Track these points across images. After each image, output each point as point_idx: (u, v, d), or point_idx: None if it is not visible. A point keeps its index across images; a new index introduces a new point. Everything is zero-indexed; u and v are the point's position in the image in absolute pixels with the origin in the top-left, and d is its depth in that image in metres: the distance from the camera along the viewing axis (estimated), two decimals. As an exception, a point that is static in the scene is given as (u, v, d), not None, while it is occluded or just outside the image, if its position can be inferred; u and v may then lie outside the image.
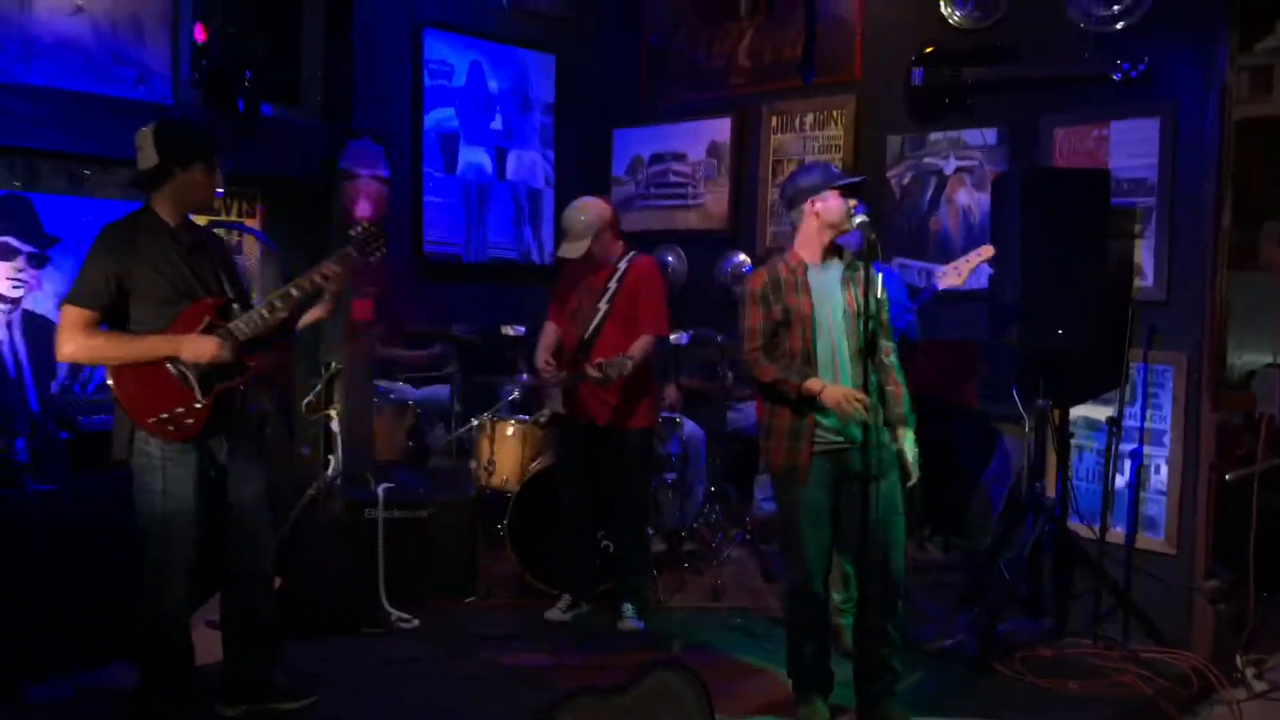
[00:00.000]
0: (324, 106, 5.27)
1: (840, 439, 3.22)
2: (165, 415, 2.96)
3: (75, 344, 2.97)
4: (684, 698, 2.97)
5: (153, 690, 3.10)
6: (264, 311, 3.09)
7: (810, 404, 3.20)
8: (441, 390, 5.82)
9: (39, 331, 4.39)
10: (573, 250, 4.20)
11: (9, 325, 4.31)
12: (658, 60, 6.17)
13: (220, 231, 4.41)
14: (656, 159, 6.14)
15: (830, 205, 3.28)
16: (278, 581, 3.93)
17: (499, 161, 6.01)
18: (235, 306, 3.12)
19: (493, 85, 5.96)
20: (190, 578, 3.09)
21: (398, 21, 5.55)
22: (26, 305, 4.37)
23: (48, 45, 4.31)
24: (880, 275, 3.16)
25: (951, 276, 4.07)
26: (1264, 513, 4.33)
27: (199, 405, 3.00)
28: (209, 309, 3.05)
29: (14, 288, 4.32)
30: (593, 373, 3.95)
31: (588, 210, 4.22)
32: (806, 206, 3.32)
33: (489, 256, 6.00)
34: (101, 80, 4.46)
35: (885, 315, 3.28)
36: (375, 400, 5.35)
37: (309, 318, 3.29)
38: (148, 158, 3.05)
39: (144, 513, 3.01)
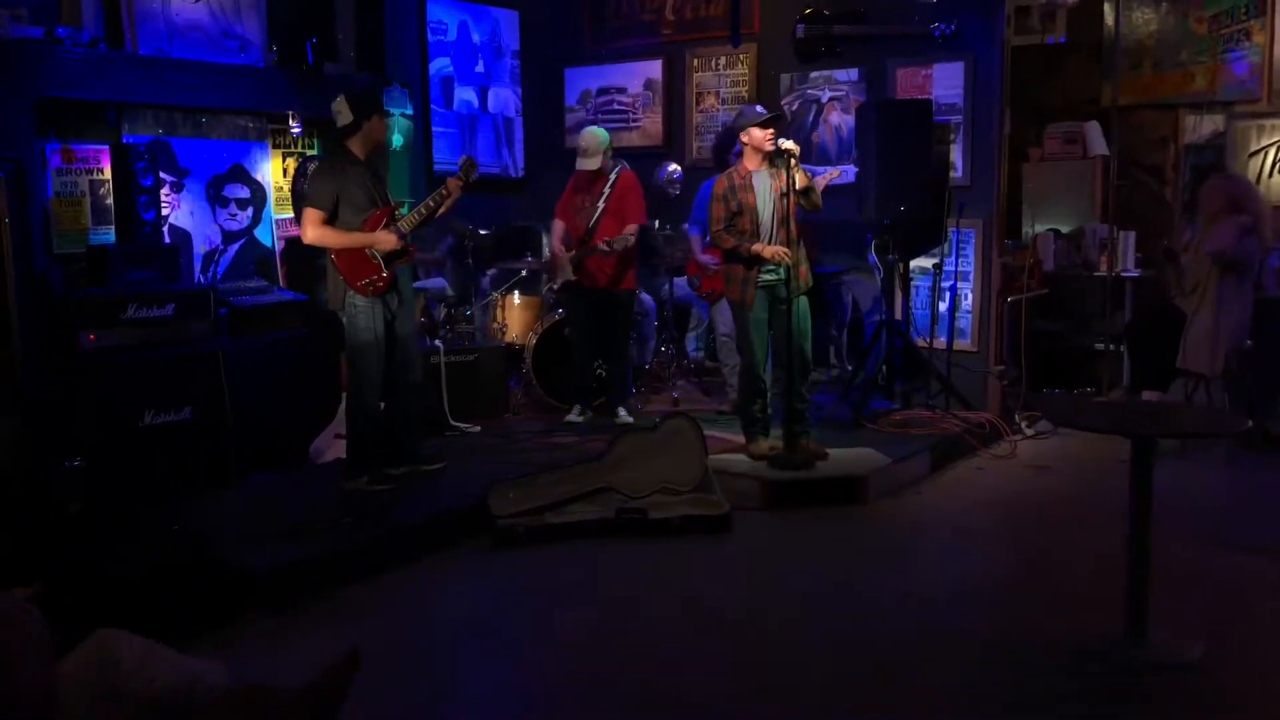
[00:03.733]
0: (359, 61, 6.90)
1: (773, 277, 5.24)
2: (366, 281, 4.77)
3: (316, 232, 4.71)
4: (690, 433, 5.02)
5: (357, 455, 4.95)
6: (415, 215, 4.89)
7: (755, 260, 5.20)
8: (438, 280, 7.60)
9: (182, 240, 6.02)
10: (591, 164, 6.04)
11: (163, 234, 5.92)
12: (599, 14, 7.94)
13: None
14: (602, 91, 7.95)
15: (754, 135, 5.22)
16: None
17: (483, 97, 7.74)
18: (399, 212, 4.91)
19: (476, 38, 7.65)
20: (379, 383, 4.91)
21: (407, -9, 7.19)
22: (171, 220, 5.99)
23: (181, 27, 5.87)
24: (803, 172, 5.12)
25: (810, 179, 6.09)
26: (1032, 327, 6.60)
27: (385, 274, 4.81)
28: (387, 213, 4.84)
29: (164, 207, 5.93)
30: (603, 247, 5.87)
31: (597, 135, 6.08)
32: (743, 136, 5.27)
33: (479, 172, 7.73)
34: (217, 51, 6.02)
35: (804, 200, 5.23)
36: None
37: (437, 215, 5.07)
38: (345, 117, 4.78)
39: (355, 343, 4.81)
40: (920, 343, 6.48)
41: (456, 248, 7.40)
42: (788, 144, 5.06)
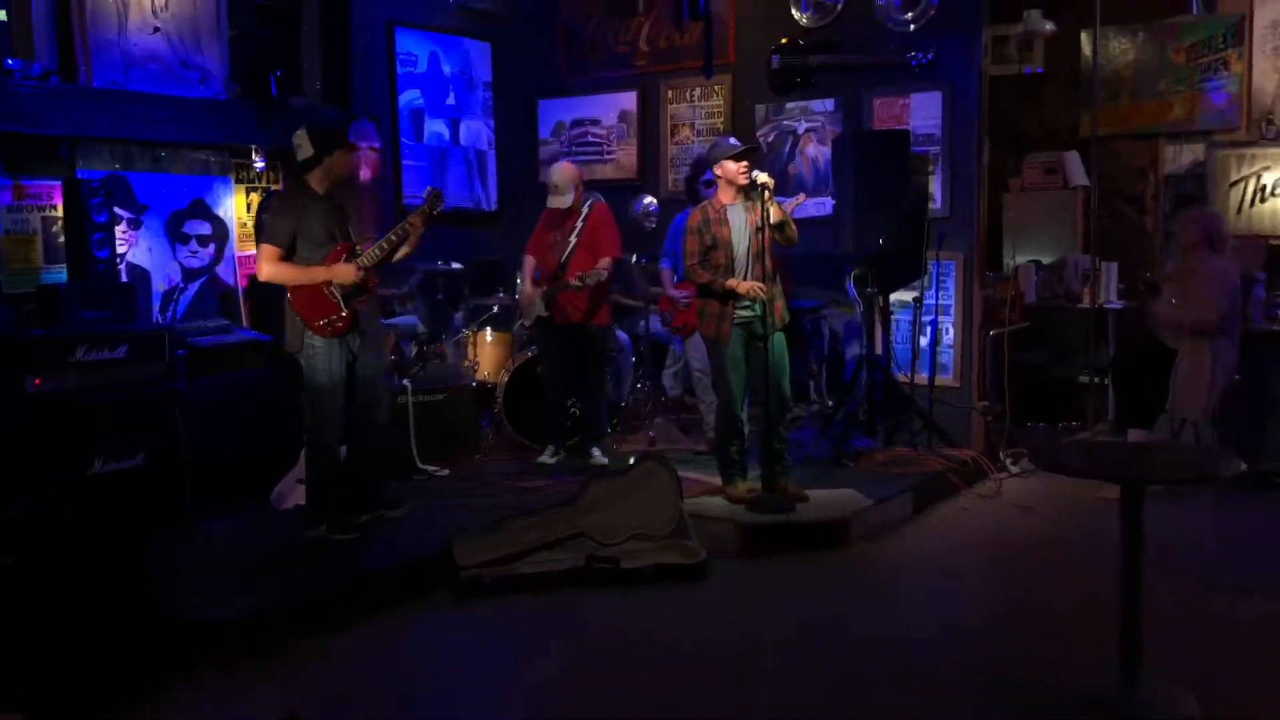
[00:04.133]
0: (325, 94, 6.75)
1: (749, 313, 5.08)
2: (325, 321, 4.58)
3: (270, 269, 4.52)
4: (664, 477, 4.84)
5: (317, 502, 4.74)
6: (376, 250, 4.71)
7: (730, 295, 5.04)
8: (408, 318, 7.43)
9: (139, 278, 5.82)
10: (562, 201, 5.89)
11: (119, 273, 5.72)
12: (574, 44, 7.83)
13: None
14: (576, 124, 7.82)
15: (727, 168, 5.08)
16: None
17: (454, 130, 7.60)
18: (357, 248, 4.73)
19: (446, 69, 7.52)
20: (340, 426, 4.72)
21: (376, 21, 7.04)
22: (129, 258, 5.79)
23: (138, 58, 5.70)
24: (778, 204, 4.97)
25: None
26: (1014, 360, 6.47)
27: (344, 313, 4.62)
28: (346, 249, 4.66)
29: (120, 244, 5.73)
30: (574, 282, 5.70)
31: (569, 171, 5.94)
32: (716, 169, 5.13)
33: (450, 206, 7.58)
34: (176, 83, 5.86)
35: (779, 235, 5.09)
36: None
37: (400, 254, 4.88)
38: (305, 150, 4.61)
39: (312, 384, 4.62)
40: (901, 378, 6.33)
41: (426, 284, 7.23)
42: (762, 177, 4.92)
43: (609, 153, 7.71)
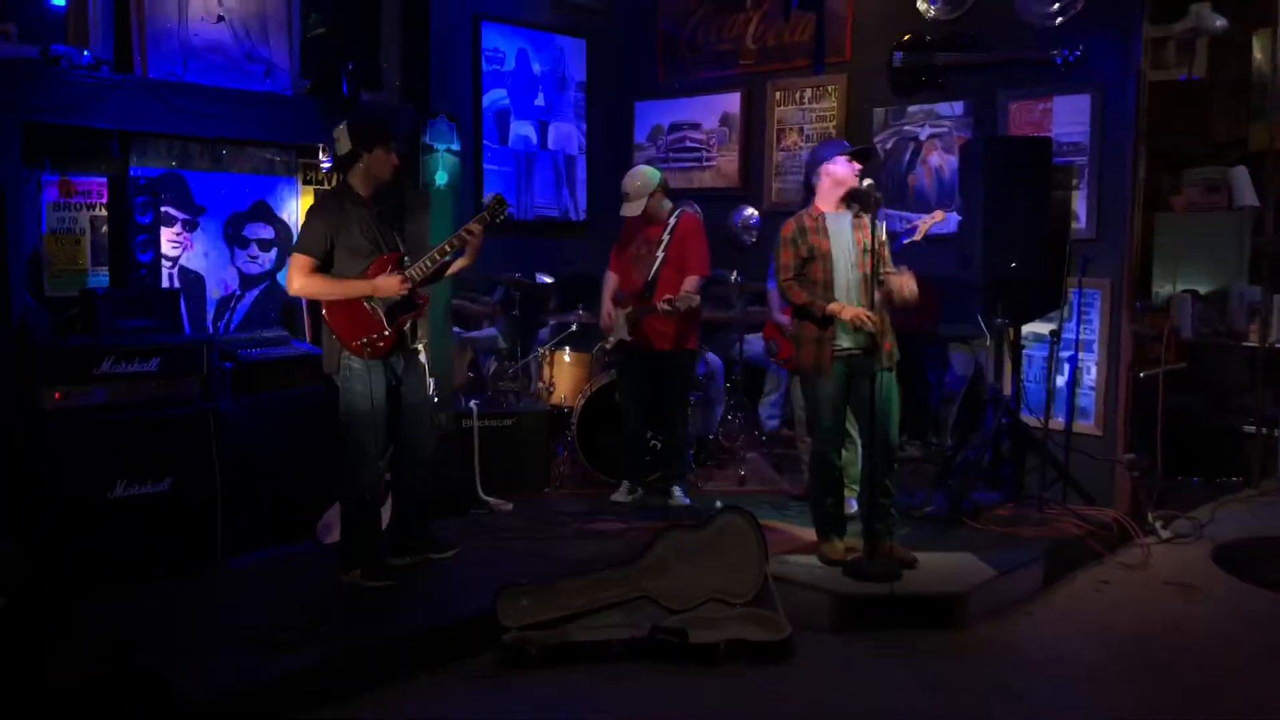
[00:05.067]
0: (404, 91, 6.27)
1: (852, 345, 4.36)
2: (365, 340, 4.04)
3: (302, 281, 4.02)
4: (746, 533, 4.15)
5: (352, 544, 4.20)
6: (428, 262, 4.16)
7: (831, 320, 4.33)
8: (489, 331, 6.90)
9: (192, 284, 5.42)
10: (632, 209, 5.28)
11: (170, 278, 5.33)
12: (673, 43, 7.20)
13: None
14: (674, 128, 7.19)
15: (838, 168, 4.38)
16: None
17: (542, 133, 7.06)
18: (406, 259, 4.19)
19: (536, 68, 6.99)
20: (380, 459, 4.18)
21: (460, 15, 6.54)
22: (182, 262, 5.39)
23: (198, 49, 5.29)
24: (883, 224, 4.26)
25: (916, 235, 5.08)
26: (1169, 406, 5.55)
27: (387, 333, 4.08)
28: (392, 260, 4.12)
29: (174, 248, 5.34)
30: (664, 307, 5.05)
31: (641, 176, 5.31)
32: (822, 169, 4.43)
33: (535, 215, 7.05)
34: (239, 76, 5.44)
35: (887, 252, 4.38)
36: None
37: (455, 267, 4.35)
38: (343, 146, 4.09)
39: (350, 411, 4.09)
40: (1033, 422, 5.49)
41: (507, 298, 6.70)
42: (869, 183, 4.22)
43: (708, 159, 7.06)
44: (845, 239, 4.38)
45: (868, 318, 4.24)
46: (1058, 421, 5.50)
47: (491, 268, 6.80)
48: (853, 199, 4.36)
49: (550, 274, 6.96)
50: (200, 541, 4.49)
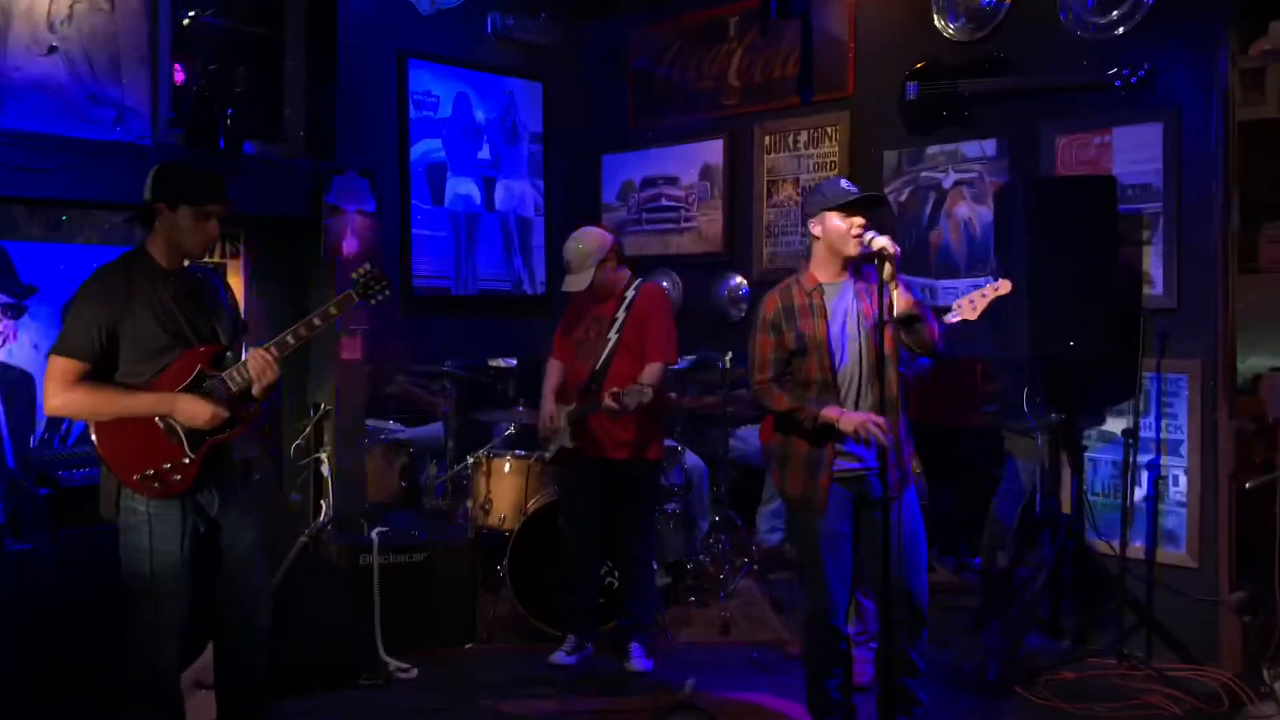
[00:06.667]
0: (308, 142, 5.16)
1: (859, 465, 3.10)
2: (151, 472, 2.82)
3: (64, 397, 2.81)
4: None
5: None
6: (254, 363, 2.95)
7: (829, 432, 3.07)
8: (434, 428, 5.69)
9: (16, 384, 4.25)
10: (577, 283, 4.09)
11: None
12: (646, 85, 6.09)
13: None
14: (648, 183, 6.05)
15: (829, 227, 3.16)
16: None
17: (487, 191, 5.92)
18: (229, 355, 2.98)
19: (479, 115, 5.87)
20: (183, 638, 2.94)
21: (381, 54, 5.46)
22: (2, 358, 4.23)
23: (21, 87, 4.19)
24: (898, 291, 3.02)
25: (966, 311, 3.38)
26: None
27: (188, 461, 2.86)
28: (202, 357, 2.91)
29: (-11, 339, 4.19)
30: (610, 403, 3.81)
31: (586, 240, 4.13)
32: (813, 225, 3.21)
33: (479, 289, 5.89)
34: (78, 122, 4.33)
35: (906, 336, 3.15)
36: (366, 441, 5.23)
37: (258, 389, 3.07)
38: (144, 194, 2.93)
39: (132, 571, 2.87)
40: (1102, 548, 4.19)
41: (458, 389, 5.51)
42: (881, 240, 2.99)
43: (688, 220, 5.88)
44: (850, 315, 3.15)
45: (878, 424, 2.98)
46: (1136, 548, 4.19)
47: (425, 356, 5.66)
48: (870, 260, 3.08)
49: (508, 357, 5.78)
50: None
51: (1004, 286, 3.24)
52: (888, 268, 2.96)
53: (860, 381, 3.12)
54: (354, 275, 3.20)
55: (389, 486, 5.36)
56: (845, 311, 3.14)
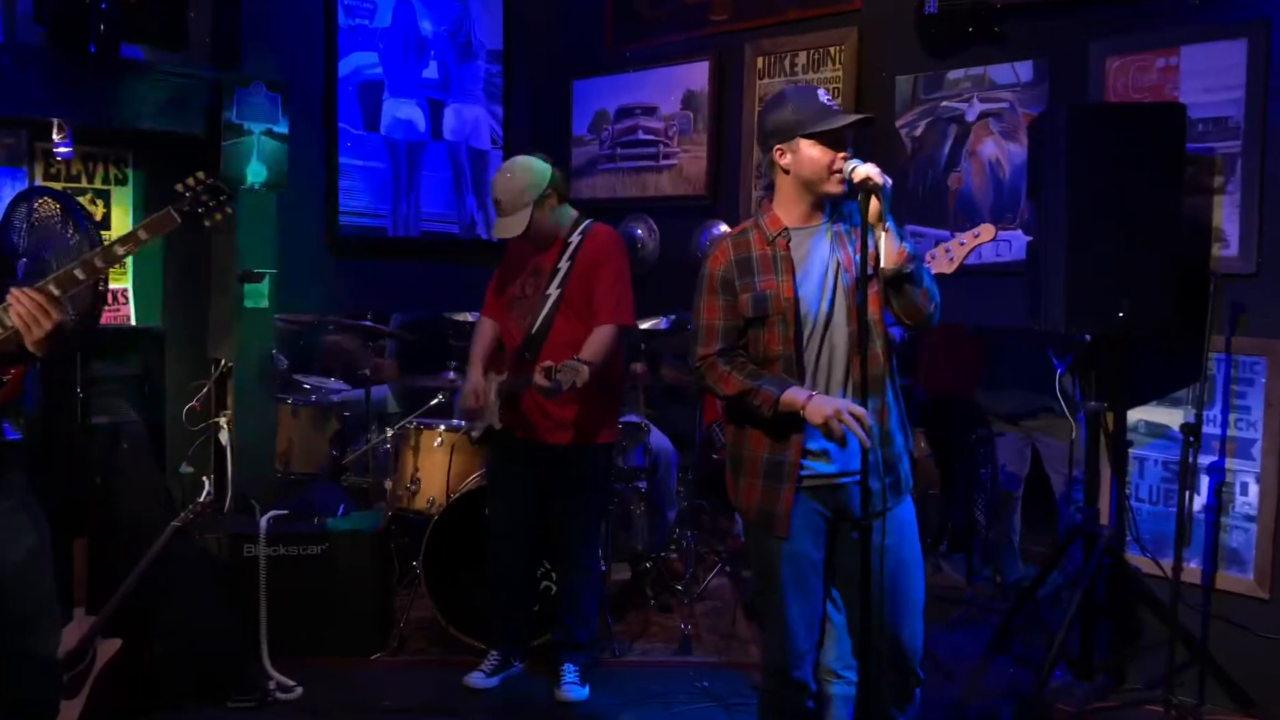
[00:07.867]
0: (213, 49, 4.35)
1: (834, 469, 2.32)
2: None
3: None
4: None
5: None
6: (42, 294, 2.18)
7: (793, 424, 2.28)
8: (380, 390, 4.95)
9: None
10: (511, 226, 3.29)
11: None
12: (624, 1, 5.23)
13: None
14: (623, 113, 5.21)
15: (803, 157, 2.33)
16: (118, 643, 3.10)
17: (434, 117, 5.09)
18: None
19: (425, 27, 5.04)
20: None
21: (303, -54, 4.64)
22: None
23: None
24: (888, 237, 2.21)
25: (941, 263, 2.67)
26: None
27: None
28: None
29: None
30: (540, 381, 3.01)
31: (520, 172, 3.31)
32: (776, 155, 2.39)
33: (422, 230, 5.09)
34: (-97, 9, 3.56)
35: (896, 298, 2.35)
36: (291, 402, 4.49)
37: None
38: None
39: None
40: (1149, 568, 3.40)
41: (404, 345, 4.79)
42: (865, 169, 2.18)
43: (667, 156, 5.05)
44: (824, 269, 2.34)
45: (855, 416, 2.18)
46: (1191, 570, 3.40)
47: (354, 304, 4.89)
48: (852, 196, 2.28)
49: (462, 311, 5.00)
50: None
51: (986, 233, 2.46)
52: (874, 204, 2.15)
53: (833, 355, 2.31)
54: (180, 186, 2.44)
55: (318, 456, 4.63)
56: (820, 264, 2.33)
